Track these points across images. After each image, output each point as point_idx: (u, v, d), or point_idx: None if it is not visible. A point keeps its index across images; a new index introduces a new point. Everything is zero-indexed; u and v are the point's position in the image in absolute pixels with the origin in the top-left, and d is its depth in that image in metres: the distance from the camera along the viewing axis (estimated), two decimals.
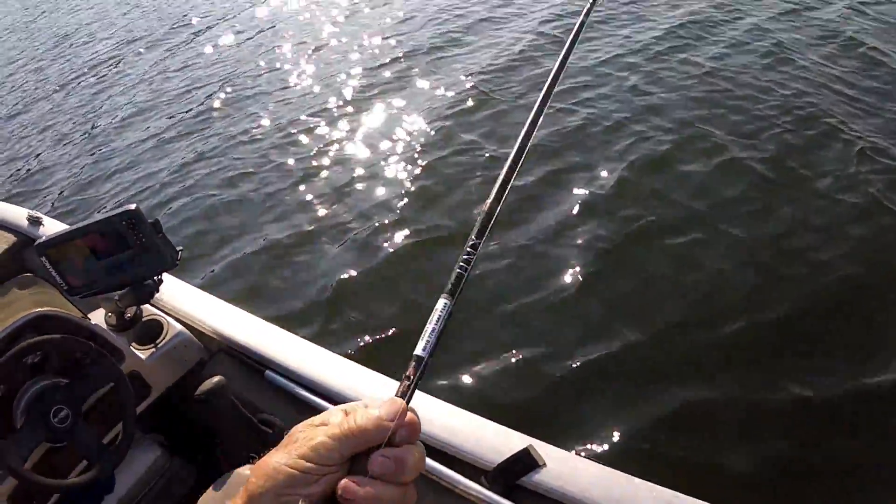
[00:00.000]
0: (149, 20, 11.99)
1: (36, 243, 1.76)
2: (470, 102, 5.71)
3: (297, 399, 1.84)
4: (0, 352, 1.61)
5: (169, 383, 1.99)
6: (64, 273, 1.77)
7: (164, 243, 1.72)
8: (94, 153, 6.89)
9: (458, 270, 0.71)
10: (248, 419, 1.71)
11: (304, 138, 5.92)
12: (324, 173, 5.27)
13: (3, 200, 3.31)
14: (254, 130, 6.31)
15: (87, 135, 7.45)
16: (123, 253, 1.71)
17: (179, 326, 2.05)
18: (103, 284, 1.80)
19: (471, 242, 0.74)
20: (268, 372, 1.91)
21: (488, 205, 0.77)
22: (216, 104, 7.21)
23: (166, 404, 1.95)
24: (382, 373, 1.86)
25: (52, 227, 2.92)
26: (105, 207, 5.60)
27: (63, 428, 1.59)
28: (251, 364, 1.98)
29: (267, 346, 1.95)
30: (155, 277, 1.84)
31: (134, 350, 1.93)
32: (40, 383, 1.65)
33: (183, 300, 2.15)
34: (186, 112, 7.24)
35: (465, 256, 0.72)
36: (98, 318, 2.01)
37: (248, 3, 11.27)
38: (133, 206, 1.65)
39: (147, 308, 2.08)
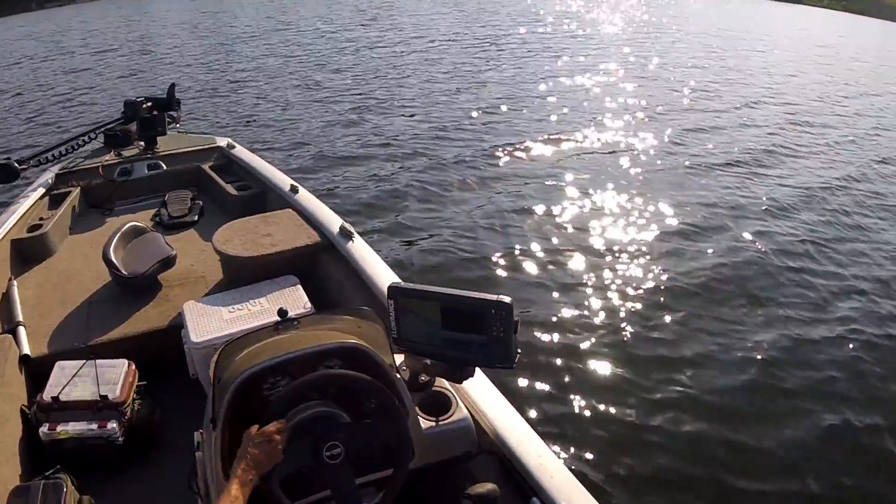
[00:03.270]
0: None
1: (391, 285, 1.82)
2: None
3: None
4: (308, 362, 1.64)
5: (430, 461, 1.88)
6: (401, 322, 1.80)
7: (515, 343, 1.67)
8: None
9: None
10: None
11: None
12: None
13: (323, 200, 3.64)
14: None
15: None
16: (473, 334, 1.69)
17: (465, 412, 1.97)
18: (433, 351, 1.81)
19: None
20: (534, 500, 1.76)
21: None
22: None
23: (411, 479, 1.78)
24: None
25: (360, 245, 3.11)
26: None
27: (330, 464, 1.53)
28: (519, 483, 1.85)
29: (541, 472, 1.82)
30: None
31: (418, 416, 1.88)
32: (321, 408, 1.62)
33: (471, 383, 2.01)
34: None
35: None
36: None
37: None
38: (509, 300, 1.64)
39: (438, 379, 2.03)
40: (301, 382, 1.57)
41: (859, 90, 14.55)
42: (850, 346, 4.58)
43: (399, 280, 2.68)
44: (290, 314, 1.86)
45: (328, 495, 1.63)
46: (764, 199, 7.38)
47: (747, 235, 6.31)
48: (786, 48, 20.51)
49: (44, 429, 2.35)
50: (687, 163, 8.48)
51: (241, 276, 3.03)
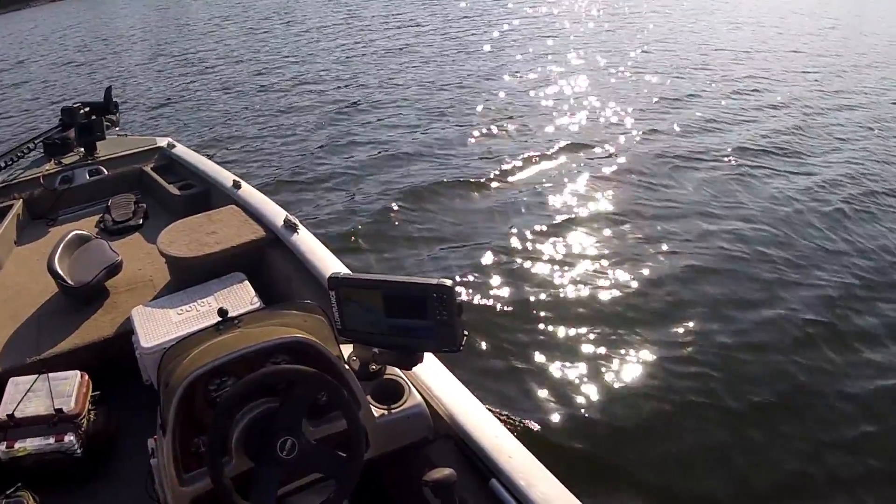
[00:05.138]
0: None
1: (331, 275, 1.86)
2: None
3: None
4: (253, 361, 1.66)
5: (385, 451, 1.90)
6: (344, 313, 1.82)
7: (460, 326, 1.70)
8: None
9: None
10: None
11: None
12: None
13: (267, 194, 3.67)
14: None
15: None
16: (418, 320, 1.72)
17: (419, 398, 1.98)
18: (379, 340, 1.83)
19: None
20: (493, 481, 1.77)
21: None
22: None
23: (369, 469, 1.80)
24: None
25: (305, 236, 3.13)
26: None
27: (287, 459, 1.55)
28: (477, 465, 1.86)
29: (499, 453, 1.82)
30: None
31: (370, 405, 1.89)
32: (258, 411, 1.61)
33: (424, 369, 2.05)
34: None
35: None
36: (343, 353, 1.94)
37: None
38: (450, 283, 1.67)
39: (390, 367, 2.04)
40: (245, 382, 1.56)
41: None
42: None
43: (345, 269, 2.69)
44: (239, 311, 1.88)
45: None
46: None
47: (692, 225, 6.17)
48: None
49: (1, 447, 2.34)
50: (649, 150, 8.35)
51: (189, 277, 3.03)
